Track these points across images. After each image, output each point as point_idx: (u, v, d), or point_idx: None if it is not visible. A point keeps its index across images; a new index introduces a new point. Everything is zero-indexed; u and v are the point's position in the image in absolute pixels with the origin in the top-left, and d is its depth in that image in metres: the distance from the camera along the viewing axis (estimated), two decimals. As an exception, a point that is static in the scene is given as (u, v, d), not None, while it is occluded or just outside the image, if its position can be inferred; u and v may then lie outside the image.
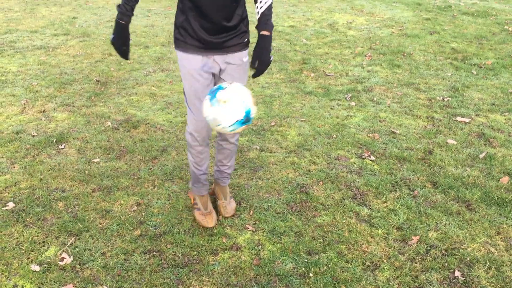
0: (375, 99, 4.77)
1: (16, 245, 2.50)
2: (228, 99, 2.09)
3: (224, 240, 2.58)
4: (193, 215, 2.77)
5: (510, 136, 3.97)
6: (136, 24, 7.74)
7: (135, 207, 2.86)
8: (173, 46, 6.71)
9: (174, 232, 2.65)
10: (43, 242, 2.54)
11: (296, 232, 2.67)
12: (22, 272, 2.31)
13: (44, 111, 4.30)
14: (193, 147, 2.60)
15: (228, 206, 2.81)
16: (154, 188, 3.08)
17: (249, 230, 2.69)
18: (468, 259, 2.48)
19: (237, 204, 2.91)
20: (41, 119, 4.11)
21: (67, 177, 3.18)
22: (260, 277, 2.33)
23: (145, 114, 4.31)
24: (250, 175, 3.28)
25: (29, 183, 3.08)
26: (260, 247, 2.55)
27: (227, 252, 2.50)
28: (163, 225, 2.71)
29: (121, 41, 2.34)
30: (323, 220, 2.78)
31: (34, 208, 2.81)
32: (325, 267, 2.39)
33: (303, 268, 2.39)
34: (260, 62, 2.31)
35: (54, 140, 3.69)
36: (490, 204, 2.98)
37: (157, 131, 3.95)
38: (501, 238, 2.66)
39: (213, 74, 2.48)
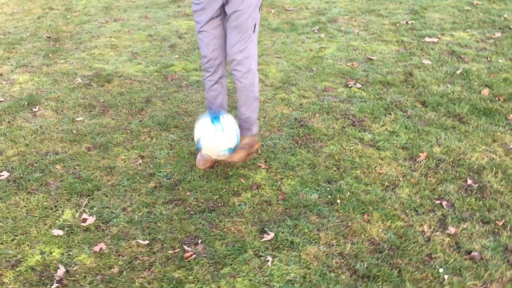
0: (342, 29, 4.77)
1: (26, 213, 2.36)
2: (227, 125, 2.41)
3: (242, 181, 2.56)
4: None
5: (478, 50, 4.13)
6: (70, -26, 7.16)
7: (140, 160, 2.76)
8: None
9: (188, 179, 2.59)
10: (55, 206, 2.41)
11: (309, 164, 2.70)
12: (44, 238, 2.19)
13: (1, 74, 3.96)
14: (205, 80, 2.59)
15: (234, 153, 2.56)
16: (152, 139, 2.97)
17: (263, 168, 2.68)
18: (475, 167, 2.62)
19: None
20: (1, 83, 3.79)
21: (55, 139, 2.99)
22: (290, 210, 2.35)
23: (114, 67, 4.08)
24: (245, 115, 3.23)
25: (15, 150, 2.87)
26: (279, 182, 2.56)
27: (249, 191, 2.49)
28: (175, 174, 2.64)
29: None
30: (331, 150, 2.82)
31: (32, 174, 2.64)
32: (349, 193, 2.45)
33: (328, 196, 2.43)
34: None
35: (26, 103, 3.43)
36: (479, 115, 3.13)
37: (133, 83, 3.76)
38: (498, 145, 2.82)
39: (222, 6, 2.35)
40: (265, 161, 2.74)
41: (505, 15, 4.92)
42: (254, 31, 2.39)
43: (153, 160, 2.77)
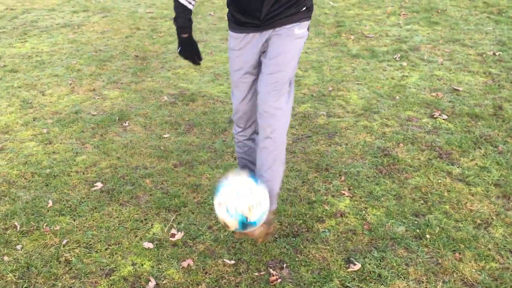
0: (425, 57, 4.68)
1: (119, 224, 2.47)
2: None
3: (326, 207, 2.55)
4: None
5: None
6: (156, -4, 7.54)
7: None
8: (199, 16, 6.56)
9: (272, 202, 2.60)
10: (145, 219, 2.50)
11: (394, 195, 2.64)
12: (135, 250, 2.28)
13: (94, 89, 4.21)
14: (236, 135, 2.33)
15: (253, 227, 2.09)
16: (235, 160, 3.03)
17: (347, 196, 2.65)
18: None
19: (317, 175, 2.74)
20: (94, 98, 4.02)
21: (144, 154, 3.12)
22: (376, 241, 2.31)
23: (198, 86, 4.22)
24: (327, 141, 3.23)
25: (108, 162, 3.02)
26: (363, 211, 2.52)
27: (333, 219, 2.47)
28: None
29: (188, 53, 2.17)
30: (418, 182, 2.75)
31: (123, 187, 2.76)
32: (438, 228, 2.37)
33: (417, 230, 2.36)
34: None
35: (117, 118, 3.61)
36: None
37: (216, 103, 3.87)
38: None
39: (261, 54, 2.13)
40: (349, 189, 2.71)
41: None
42: (290, 84, 2.09)
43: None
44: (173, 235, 2.36)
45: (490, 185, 2.70)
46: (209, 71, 4.59)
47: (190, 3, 2.05)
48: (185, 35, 2.13)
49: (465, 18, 5.87)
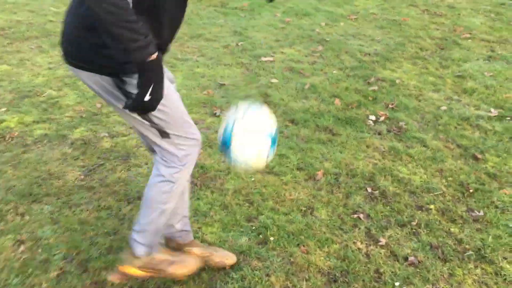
0: (179, 56, 4.68)
1: None
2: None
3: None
4: (171, 276, 1.98)
5: (311, 64, 4.50)
6: None
7: (22, 247, 2.24)
8: None
9: (95, 255, 2.20)
10: None
11: (220, 206, 2.55)
12: None
13: None
14: (183, 184, 1.92)
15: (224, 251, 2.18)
16: (23, 217, 2.44)
17: (175, 221, 2.43)
18: (366, 175, 2.83)
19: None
20: None
21: None
22: (228, 261, 2.18)
23: None
24: (124, 166, 2.91)
25: None
26: (199, 232, 2.36)
27: (173, 251, 2.23)
28: (75, 252, 2.21)
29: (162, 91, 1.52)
30: (234, 185, 2.72)
31: None
32: (275, 227, 2.39)
33: (259, 236, 2.33)
34: None
35: None
36: (344, 125, 3.40)
37: (-39, 150, 3.04)
38: (372, 149, 3.10)
39: None
40: (173, 213, 2.49)
41: (317, 30, 5.46)
42: None
43: (38, 243, 2.27)
44: None
45: (294, 170, 2.87)
46: None
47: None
48: (156, 56, 1.46)
49: (196, 13, 6.09)
